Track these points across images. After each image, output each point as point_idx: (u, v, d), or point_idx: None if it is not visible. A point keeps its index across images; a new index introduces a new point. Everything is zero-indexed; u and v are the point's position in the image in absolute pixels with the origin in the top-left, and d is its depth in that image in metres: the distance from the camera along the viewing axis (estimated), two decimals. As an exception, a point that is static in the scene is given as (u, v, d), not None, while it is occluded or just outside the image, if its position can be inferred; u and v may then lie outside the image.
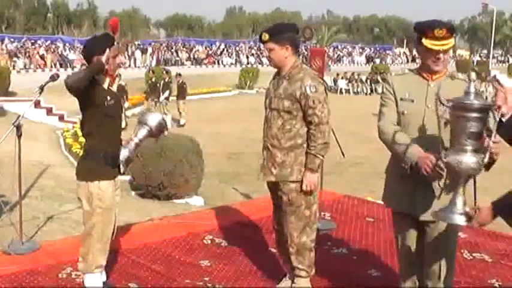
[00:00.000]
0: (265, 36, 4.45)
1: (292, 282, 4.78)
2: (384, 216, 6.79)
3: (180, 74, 24.39)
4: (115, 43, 4.44)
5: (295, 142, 4.47)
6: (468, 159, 3.23)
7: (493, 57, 71.25)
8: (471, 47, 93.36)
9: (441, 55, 3.68)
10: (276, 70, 4.65)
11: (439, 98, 3.45)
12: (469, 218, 3.29)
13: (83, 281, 4.57)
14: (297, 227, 4.57)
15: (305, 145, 4.46)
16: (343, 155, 4.28)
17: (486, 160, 3.23)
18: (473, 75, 3.27)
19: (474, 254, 5.98)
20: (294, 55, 4.51)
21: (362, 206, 7.70)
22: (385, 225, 6.50)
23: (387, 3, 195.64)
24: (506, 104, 3.12)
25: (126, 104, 22.13)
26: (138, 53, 48.10)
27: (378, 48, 77.60)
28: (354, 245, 6.20)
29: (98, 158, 4.34)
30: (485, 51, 79.98)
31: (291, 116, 4.44)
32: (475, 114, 3.19)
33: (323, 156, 4.48)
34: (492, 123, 3.21)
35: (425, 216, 3.81)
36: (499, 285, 5.23)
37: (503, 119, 3.12)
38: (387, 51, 75.52)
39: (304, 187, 4.45)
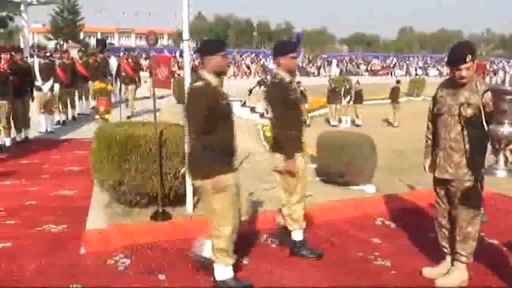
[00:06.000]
0: (469, 57, 4.11)
1: (452, 265, 4.54)
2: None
3: (358, 82, 24.09)
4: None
5: (471, 145, 4.22)
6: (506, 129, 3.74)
7: None
8: None
9: None
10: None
11: None
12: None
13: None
14: (466, 219, 4.34)
15: (479, 148, 4.20)
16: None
17: None
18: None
19: None
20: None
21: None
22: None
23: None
24: None
25: (306, 106, 22.36)
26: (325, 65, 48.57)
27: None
28: (505, 238, 5.72)
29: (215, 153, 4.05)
30: None
31: (470, 122, 4.18)
32: None
33: None
34: None
35: None
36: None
37: None
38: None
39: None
